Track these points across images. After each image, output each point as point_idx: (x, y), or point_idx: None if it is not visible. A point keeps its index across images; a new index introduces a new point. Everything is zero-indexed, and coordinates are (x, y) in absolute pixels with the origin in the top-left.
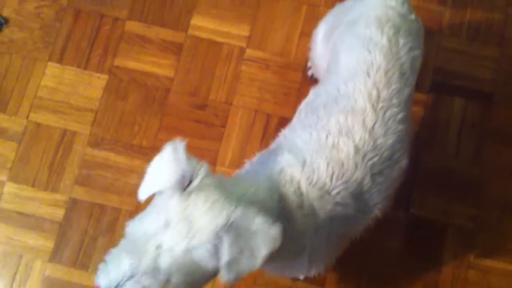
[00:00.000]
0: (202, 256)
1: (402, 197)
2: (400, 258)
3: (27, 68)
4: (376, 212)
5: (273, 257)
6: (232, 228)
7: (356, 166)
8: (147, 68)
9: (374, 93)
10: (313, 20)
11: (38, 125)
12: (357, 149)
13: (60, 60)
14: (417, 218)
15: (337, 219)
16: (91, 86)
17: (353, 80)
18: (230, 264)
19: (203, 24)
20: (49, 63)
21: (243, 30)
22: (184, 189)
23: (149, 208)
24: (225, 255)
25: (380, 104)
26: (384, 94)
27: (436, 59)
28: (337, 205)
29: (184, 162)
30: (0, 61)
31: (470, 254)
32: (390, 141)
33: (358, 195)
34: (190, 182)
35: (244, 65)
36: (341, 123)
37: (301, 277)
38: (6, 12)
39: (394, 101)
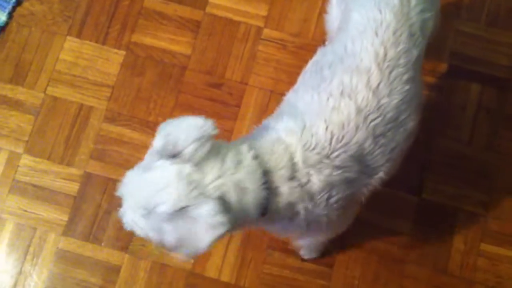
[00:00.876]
0: (153, 229)
1: (414, 181)
2: (410, 241)
3: (46, 41)
4: (381, 174)
5: (264, 222)
6: (179, 213)
7: (357, 128)
8: (164, 45)
9: (381, 52)
10: None
11: (55, 99)
12: (359, 110)
13: (78, 35)
14: (428, 202)
15: (338, 183)
16: (109, 61)
17: (360, 38)
18: (175, 245)
19: (221, 2)
20: (68, 37)
21: (261, 10)
22: (172, 156)
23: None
24: (168, 236)
25: (386, 63)
26: (391, 53)
27: (453, 44)
28: (336, 169)
29: (189, 140)
30: (19, 34)
31: (480, 241)
32: (395, 102)
33: (359, 157)
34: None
35: (261, 45)
36: (344, 83)
37: (310, 256)
38: None
39: (401, 61)
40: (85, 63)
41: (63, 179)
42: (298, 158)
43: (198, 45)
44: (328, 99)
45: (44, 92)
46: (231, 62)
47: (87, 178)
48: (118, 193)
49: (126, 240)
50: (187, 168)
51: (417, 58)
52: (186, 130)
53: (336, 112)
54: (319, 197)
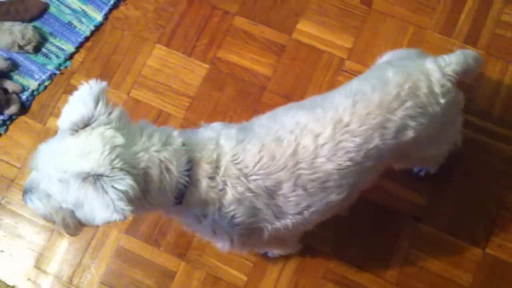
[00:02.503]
0: (60, 193)
1: (480, 234)
2: None
3: (136, 46)
4: (288, 222)
5: (176, 212)
6: (87, 180)
7: (284, 167)
8: (247, 64)
9: (346, 120)
10: (418, 43)
11: (137, 101)
12: (294, 153)
13: (167, 44)
14: (492, 257)
15: (245, 205)
16: (192, 73)
17: (342, 97)
18: (73, 205)
19: (307, 30)
20: (157, 45)
21: (346, 41)
22: (79, 130)
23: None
24: (71, 195)
25: (342, 131)
26: (352, 126)
27: None
28: (248, 191)
29: (89, 105)
30: (112, 36)
31: None
32: (328, 167)
33: (272, 192)
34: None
35: (341, 75)
36: (300, 124)
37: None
38: None
39: (357, 140)
40: (169, 71)
41: None
42: (223, 163)
43: (280, 68)
44: (278, 130)
45: (128, 93)
46: (309, 89)
47: None
48: (29, 166)
49: (184, 247)
50: (109, 131)
51: (374, 148)
52: (80, 100)
53: (276, 143)
54: (227, 210)
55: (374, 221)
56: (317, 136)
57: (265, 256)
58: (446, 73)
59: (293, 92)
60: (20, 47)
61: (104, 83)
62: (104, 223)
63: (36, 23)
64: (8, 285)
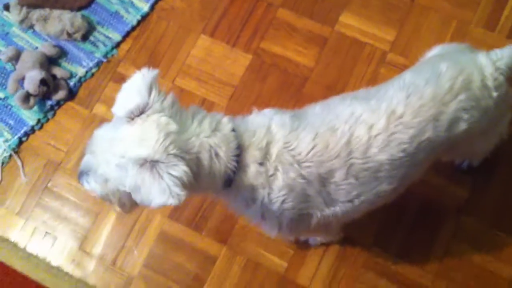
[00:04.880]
0: (119, 177)
1: None
2: None
3: (181, 36)
4: (338, 209)
5: (225, 195)
6: (144, 166)
7: (337, 156)
8: (290, 55)
9: (399, 112)
10: (461, 37)
11: (181, 89)
12: (348, 142)
13: (212, 34)
14: None
15: (296, 191)
16: (236, 63)
17: (396, 89)
18: (131, 189)
19: (350, 22)
20: (202, 35)
21: (389, 34)
22: (135, 117)
23: (111, 123)
24: (130, 180)
25: (395, 123)
26: (406, 118)
27: None
28: (300, 177)
29: (143, 93)
30: (158, 26)
31: None
32: (381, 157)
33: (324, 180)
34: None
35: (384, 68)
36: (355, 114)
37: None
38: None
39: (410, 131)
40: (213, 61)
41: None
42: (275, 150)
43: (323, 59)
44: (332, 119)
45: (173, 82)
46: (352, 80)
47: None
48: (87, 151)
49: (226, 233)
50: (163, 118)
51: (426, 140)
52: (134, 88)
53: (330, 132)
54: (277, 195)
55: (416, 212)
56: (370, 126)
57: (305, 243)
58: (498, 67)
59: (335, 83)
60: (69, 35)
61: (156, 71)
62: (159, 207)
63: (84, 12)
64: (53, 266)
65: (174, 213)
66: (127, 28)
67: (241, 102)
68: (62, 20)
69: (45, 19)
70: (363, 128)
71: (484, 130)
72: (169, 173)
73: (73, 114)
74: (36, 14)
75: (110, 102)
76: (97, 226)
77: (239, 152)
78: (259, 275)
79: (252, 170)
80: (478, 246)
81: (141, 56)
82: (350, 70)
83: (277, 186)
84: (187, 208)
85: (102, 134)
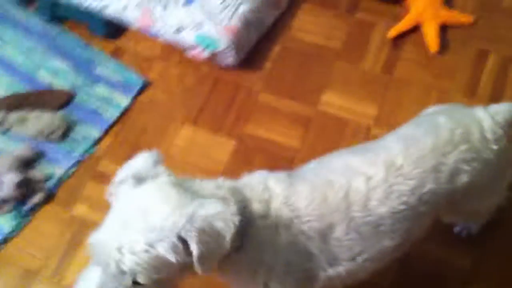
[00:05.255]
0: (166, 250)
1: None
2: None
3: (163, 127)
4: (341, 270)
5: (232, 265)
6: (194, 220)
7: (337, 209)
8: (275, 137)
9: (399, 163)
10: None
11: None
12: (346, 195)
13: (195, 122)
14: None
15: (298, 248)
16: (220, 149)
17: (393, 141)
18: (201, 256)
19: (332, 100)
20: (184, 124)
21: (371, 108)
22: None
23: (108, 215)
24: (195, 250)
25: (394, 174)
26: (406, 170)
27: None
28: (301, 233)
29: (144, 163)
30: (139, 119)
31: None
32: (382, 210)
33: (325, 235)
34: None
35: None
36: (351, 167)
37: None
38: (152, 75)
39: (411, 183)
40: (198, 149)
41: None
42: (274, 205)
43: (308, 139)
44: (328, 173)
45: None
46: None
47: None
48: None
49: None
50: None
51: (428, 192)
52: (141, 161)
53: (327, 185)
54: (282, 254)
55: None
56: (369, 178)
57: None
58: (497, 121)
59: None
60: (48, 135)
61: (159, 153)
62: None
63: (64, 111)
64: None
65: None
66: (107, 125)
67: None
68: (41, 120)
69: (22, 121)
70: (361, 180)
71: (486, 185)
72: (211, 205)
73: (51, 217)
74: (13, 116)
75: (90, 201)
76: None
77: (246, 204)
78: None
79: (258, 225)
80: None
81: (123, 151)
82: (336, 147)
83: (281, 244)
84: None
85: (95, 235)
